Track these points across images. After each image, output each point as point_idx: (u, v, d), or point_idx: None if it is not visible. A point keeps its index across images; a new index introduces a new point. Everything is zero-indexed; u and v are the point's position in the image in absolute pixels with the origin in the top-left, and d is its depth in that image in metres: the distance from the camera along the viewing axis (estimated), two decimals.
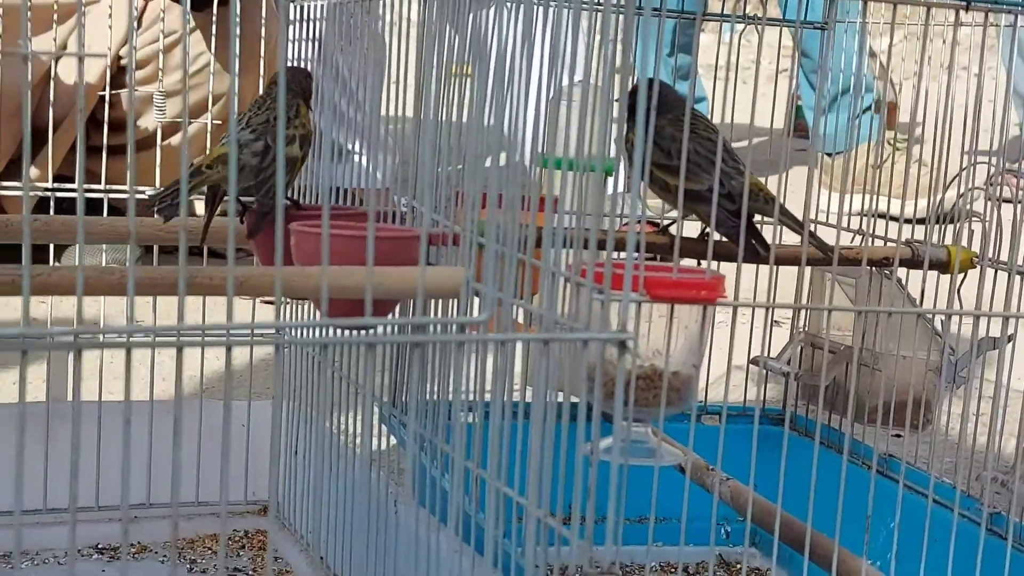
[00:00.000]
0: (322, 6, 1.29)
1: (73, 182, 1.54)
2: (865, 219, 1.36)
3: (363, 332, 0.83)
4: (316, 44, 1.37)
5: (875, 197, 1.32)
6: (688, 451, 1.06)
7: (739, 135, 2.00)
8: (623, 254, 0.81)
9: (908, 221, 1.27)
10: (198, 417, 1.39)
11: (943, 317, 1.22)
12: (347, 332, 0.81)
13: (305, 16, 1.38)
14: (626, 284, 0.78)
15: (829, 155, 2.94)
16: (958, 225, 1.26)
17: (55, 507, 1.38)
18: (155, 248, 1.43)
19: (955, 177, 1.24)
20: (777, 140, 1.82)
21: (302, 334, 1.15)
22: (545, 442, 0.81)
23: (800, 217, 1.16)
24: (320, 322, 0.70)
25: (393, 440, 1.40)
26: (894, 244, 1.29)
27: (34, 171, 2.46)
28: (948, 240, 1.31)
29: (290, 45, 1.42)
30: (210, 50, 2.28)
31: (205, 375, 1.49)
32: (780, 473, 1.02)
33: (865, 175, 1.22)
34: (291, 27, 1.39)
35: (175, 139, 2.39)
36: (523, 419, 0.86)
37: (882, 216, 1.35)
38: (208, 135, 1.72)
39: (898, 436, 1.47)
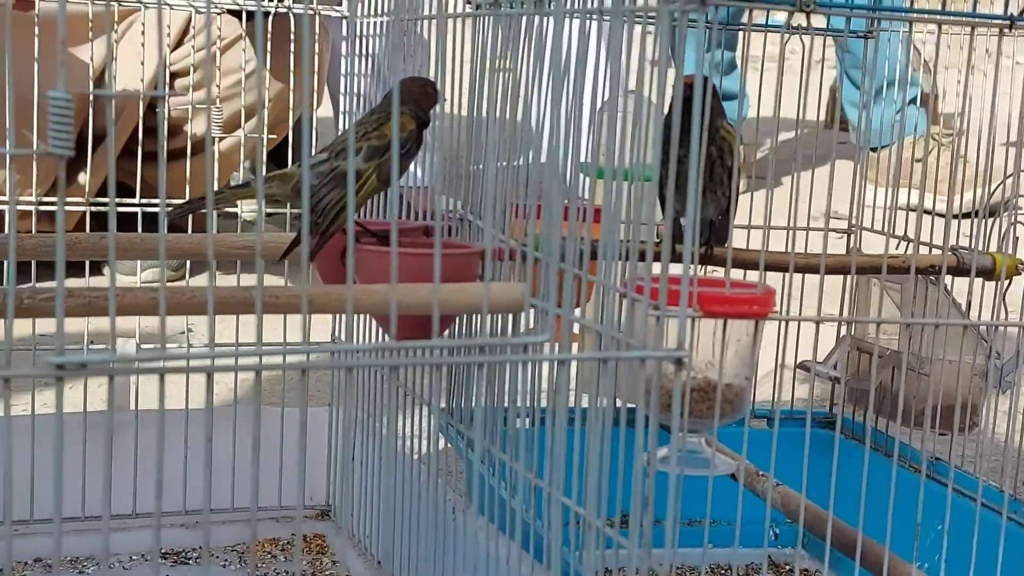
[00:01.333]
0: (381, 23, 1.31)
1: (121, 190, 1.56)
2: (910, 221, 1.38)
3: (429, 352, 0.85)
4: (368, 60, 1.40)
5: (921, 193, 1.33)
6: (740, 458, 1.08)
7: (779, 128, 2.00)
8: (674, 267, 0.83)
9: (955, 216, 1.28)
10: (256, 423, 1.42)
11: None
12: (414, 353, 0.84)
13: (360, 32, 1.40)
14: (682, 302, 0.81)
15: (874, 150, 2.95)
16: (1004, 231, 1.28)
17: (118, 513, 1.41)
18: (187, 263, 1.47)
19: (1000, 184, 1.26)
20: (816, 133, 1.83)
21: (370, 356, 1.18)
22: (603, 456, 0.84)
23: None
24: (387, 345, 0.72)
25: (448, 443, 1.43)
26: (939, 251, 1.31)
27: (83, 176, 2.51)
28: (993, 243, 1.33)
29: (342, 60, 1.45)
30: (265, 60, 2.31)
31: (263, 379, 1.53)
32: (832, 478, 1.05)
33: (911, 169, 1.24)
34: (344, 43, 1.42)
35: (222, 145, 2.42)
36: (579, 425, 0.89)
37: (928, 212, 1.36)
38: (264, 143, 1.75)
39: (943, 435, 1.48)
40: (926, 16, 1.11)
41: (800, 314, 1.47)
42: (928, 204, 1.37)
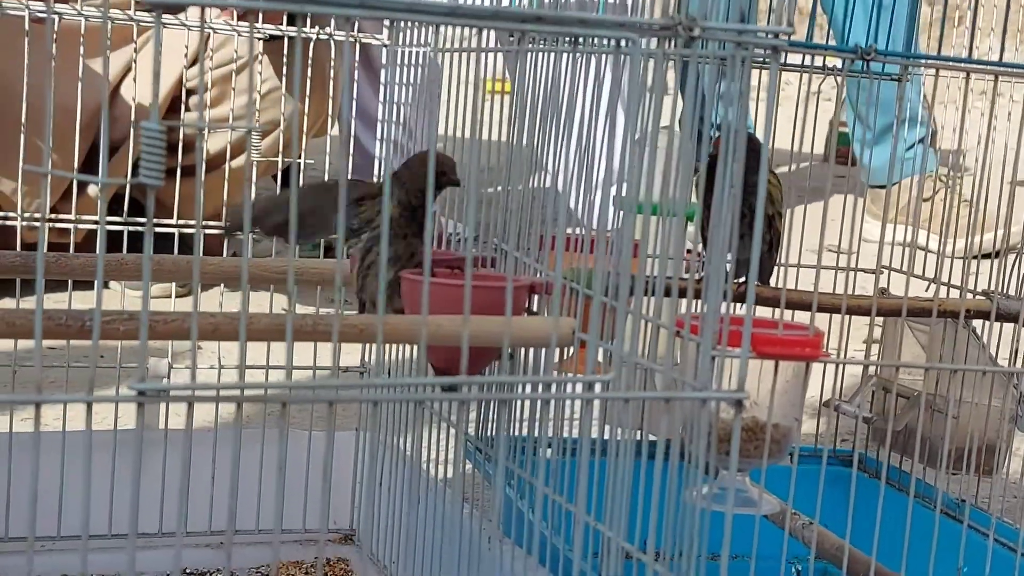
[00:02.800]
0: (423, 53, 1.32)
1: (133, 207, 1.53)
2: (922, 258, 1.38)
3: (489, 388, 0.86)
4: (407, 88, 1.41)
5: (959, 237, 1.34)
6: (781, 502, 1.09)
7: (780, 160, 2.01)
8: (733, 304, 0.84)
9: (976, 256, 1.29)
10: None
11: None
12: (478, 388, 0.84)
13: (401, 62, 1.41)
14: (744, 343, 0.82)
15: (883, 187, 2.97)
16: None
17: (144, 531, 1.41)
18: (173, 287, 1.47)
19: None
20: (819, 166, 1.85)
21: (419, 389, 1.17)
22: (645, 491, 0.85)
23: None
24: (456, 380, 0.73)
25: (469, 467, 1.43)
26: (969, 294, 1.32)
27: (92, 190, 2.51)
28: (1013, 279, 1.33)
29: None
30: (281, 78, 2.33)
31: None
32: (876, 521, 1.05)
33: (924, 208, 1.25)
34: (384, 71, 1.43)
35: (234, 162, 2.43)
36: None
37: (933, 252, 1.37)
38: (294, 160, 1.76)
39: (954, 474, 1.49)
40: (987, 67, 1.12)
41: (825, 352, 1.48)
42: (944, 244, 1.38)
